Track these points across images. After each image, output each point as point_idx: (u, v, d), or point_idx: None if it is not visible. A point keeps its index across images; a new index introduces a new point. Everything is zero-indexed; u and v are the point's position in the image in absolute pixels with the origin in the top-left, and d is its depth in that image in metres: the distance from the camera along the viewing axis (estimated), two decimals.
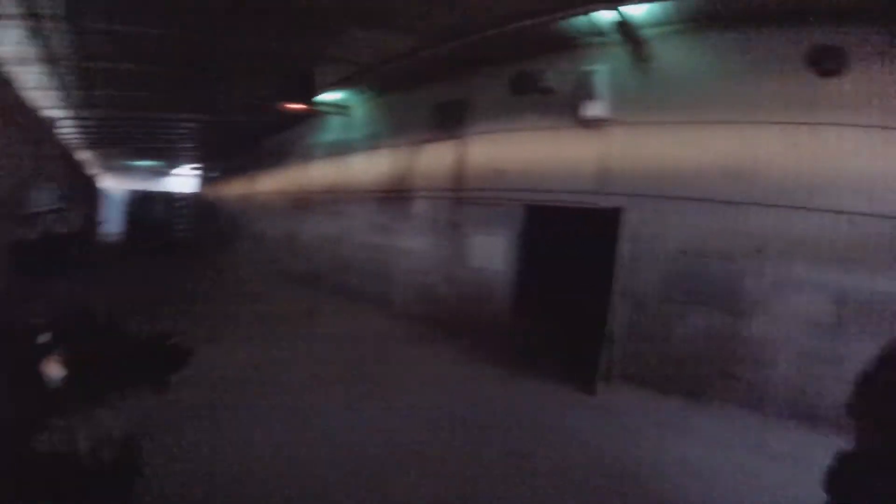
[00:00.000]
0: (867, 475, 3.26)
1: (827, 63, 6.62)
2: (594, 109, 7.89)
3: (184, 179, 34.39)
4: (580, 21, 7.66)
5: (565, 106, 8.40)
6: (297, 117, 15.01)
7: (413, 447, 5.26)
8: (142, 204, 22.74)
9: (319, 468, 4.70)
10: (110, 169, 31.01)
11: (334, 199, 14.01)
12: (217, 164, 27.41)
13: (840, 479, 3.46)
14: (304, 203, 15.78)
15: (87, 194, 21.88)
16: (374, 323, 10.56)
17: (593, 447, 5.63)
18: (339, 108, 13.36)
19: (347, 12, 8.19)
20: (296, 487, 4.34)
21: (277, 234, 17.77)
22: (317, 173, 15.21)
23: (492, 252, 9.32)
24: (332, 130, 14.42)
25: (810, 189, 6.63)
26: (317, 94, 11.99)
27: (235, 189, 23.02)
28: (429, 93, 10.86)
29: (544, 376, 7.78)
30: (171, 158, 27.21)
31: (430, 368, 7.96)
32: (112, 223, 26.08)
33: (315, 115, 13.76)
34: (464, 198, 9.93)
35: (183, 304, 10.39)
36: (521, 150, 9.06)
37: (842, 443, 3.49)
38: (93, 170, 25.66)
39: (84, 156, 22.37)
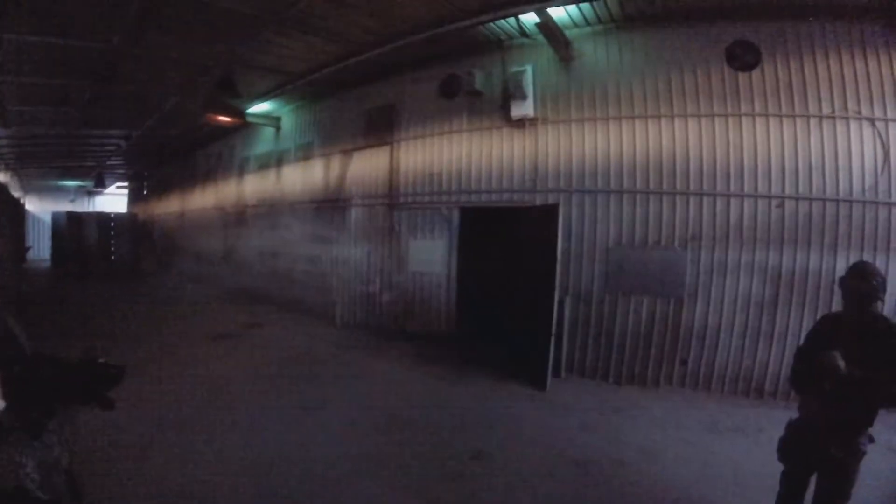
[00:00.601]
0: (811, 440, 3.56)
1: (743, 58, 7.04)
2: (523, 109, 8.02)
3: (114, 199, 33.08)
4: (506, 23, 7.79)
5: (494, 107, 8.55)
6: (227, 130, 14.57)
7: (366, 453, 5.22)
8: (71, 226, 21.64)
9: (273, 478, 4.65)
10: (35, 191, 29.58)
11: (270, 211, 13.67)
12: (148, 181, 26.47)
13: (790, 445, 3.77)
14: (239, 217, 15.34)
15: (12, 218, 20.71)
16: (318, 333, 10.36)
17: (548, 440, 5.70)
18: (268, 118, 13.09)
19: (272, 21, 7.98)
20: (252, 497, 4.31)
21: (214, 250, 17.20)
22: (250, 186, 14.82)
23: (431, 255, 9.32)
24: (263, 141, 14.09)
25: (737, 176, 7.06)
26: (245, 106, 11.72)
27: (168, 206, 22.20)
28: (358, 99, 10.75)
29: (493, 375, 7.82)
30: (100, 177, 26.10)
31: (378, 375, 7.85)
32: (40, 248, 24.98)
33: (245, 126, 13.35)
34: (399, 203, 9.88)
35: (118, 326, 10.10)
36: (453, 152, 9.09)
37: (787, 413, 3.87)
38: (15, 192, 24.42)
39: (4, 178, 21.23)
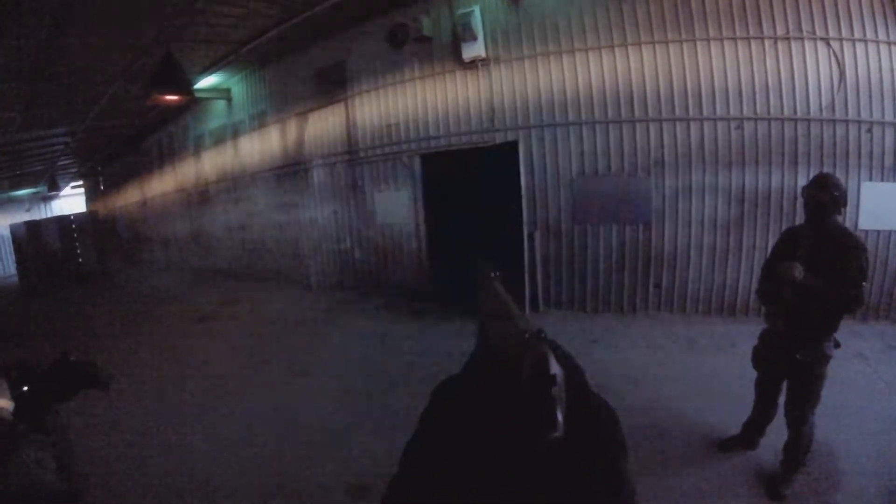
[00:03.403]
0: (780, 348, 3.72)
1: None
2: (474, 50, 7.86)
3: (71, 200, 32.15)
4: None
5: (445, 51, 8.39)
6: (177, 109, 14.01)
7: (356, 408, 5.35)
8: (31, 235, 20.88)
9: (274, 438, 4.82)
10: None
11: (232, 185, 13.40)
12: (103, 176, 25.73)
13: (761, 353, 3.97)
14: (202, 196, 14.99)
15: None
16: (295, 299, 10.33)
17: None
18: (218, 91, 12.67)
19: None
20: (252, 457, 4.51)
21: (181, 234, 16.87)
22: (209, 163, 14.42)
23: (397, 206, 9.29)
24: (216, 115, 13.65)
25: (695, 101, 7.09)
26: (192, 81, 11.33)
27: (128, 197, 21.58)
28: (308, 60, 10.46)
29: (471, 316, 7.78)
30: (52, 180, 25.28)
31: (359, 332, 7.92)
32: (5, 264, 24.42)
33: (194, 103, 12.87)
34: (360, 158, 9.76)
35: (98, 326, 9.99)
36: (407, 102, 8.96)
37: (759, 327, 4.04)
38: None
39: None
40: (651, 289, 7.54)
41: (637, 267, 7.54)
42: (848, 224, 6.47)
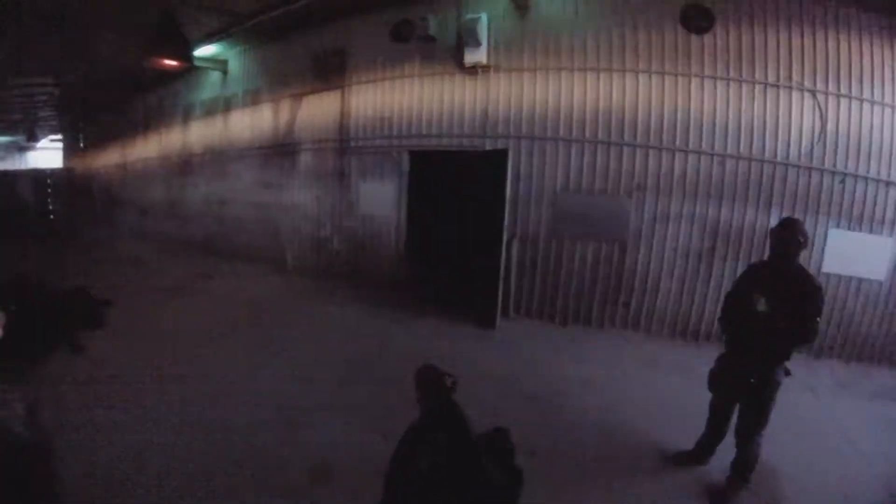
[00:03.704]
0: (735, 372, 4.01)
1: (697, 21, 7.25)
2: (476, 56, 7.99)
3: (48, 153, 31.37)
4: None
5: (447, 53, 8.49)
6: (171, 74, 13.79)
7: (324, 394, 5.39)
8: (3, 185, 20.38)
9: (238, 425, 4.73)
10: None
11: (217, 159, 13.21)
12: (84, 133, 25.18)
13: (717, 376, 4.24)
14: (185, 166, 14.74)
15: None
16: (270, 280, 10.30)
17: (498, 376, 5.98)
18: (214, 62, 12.50)
19: None
20: (221, 443, 4.43)
21: (159, 202, 16.49)
22: (196, 133, 14.20)
23: (381, 199, 9.32)
24: (209, 86, 13.45)
25: (683, 132, 7.36)
26: (190, 48, 11.23)
27: (108, 158, 21.04)
28: (308, 43, 10.42)
29: (443, 316, 8.06)
30: (31, 130, 24.69)
31: (332, 319, 7.93)
32: None
33: (189, 70, 12.76)
34: (350, 147, 9.77)
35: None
36: (404, 98, 9.02)
37: (718, 352, 4.31)
38: None
39: None
40: (620, 307, 7.74)
41: (609, 284, 7.74)
42: (812, 266, 6.93)
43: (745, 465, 4.00)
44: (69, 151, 28.10)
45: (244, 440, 4.47)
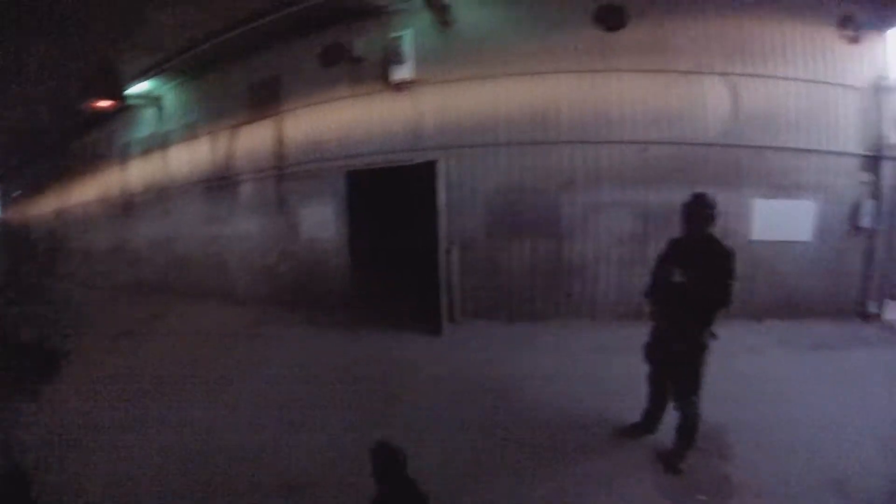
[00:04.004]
0: (664, 341, 4.31)
1: (611, 19, 7.66)
2: (402, 73, 8.22)
3: None
4: None
5: (375, 72, 8.66)
6: (106, 114, 13.50)
7: (287, 415, 5.50)
8: None
9: (207, 457, 4.78)
10: None
11: (159, 196, 12.99)
12: (17, 182, 24.38)
13: (650, 348, 4.52)
14: (127, 207, 14.43)
15: None
16: (222, 313, 10.20)
17: (451, 377, 6.20)
18: (148, 98, 12.36)
19: None
20: (196, 471, 4.51)
21: (105, 245, 16.05)
22: (136, 172, 13.93)
23: (322, 222, 9.41)
24: (145, 123, 13.26)
25: (607, 125, 7.73)
26: (123, 87, 11.12)
27: (46, 205, 20.49)
28: (242, 73, 10.45)
29: (394, 328, 8.19)
30: None
31: (286, 344, 8.00)
32: None
33: (125, 109, 12.62)
34: (288, 173, 9.83)
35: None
36: (337, 120, 9.14)
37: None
38: None
39: None
40: (563, 298, 8.03)
41: (550, 278, 8.02)
42: (741, 235, 7.47)
43: (688, 427, 4.25)
44: (3, 200, 27.19)
45: (215, 467, 4.57)
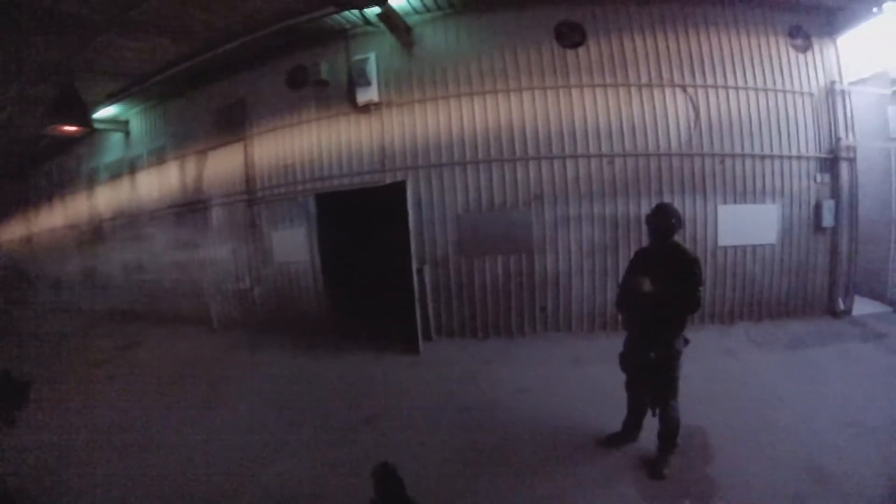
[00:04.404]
0: (638, 349, 4.38)
1: (570, 37, 7.88)
2: (367, 95, 8.27)
3: None
4: (350, 14, 7.93)
5: (341, 94, 8.72)
6: (71, 140, 13.28)
7: (266, 438, 5.45)
8: None
9: (187, 483, 4.73)
10: None
11: (129, 222, 12.74)
12: None
13: (625, 357, 4.60)
14: (96, 233, 14.11)
15: None
16: (196, 340, 10.04)
17: (429, 396, 6.24)
18: (116, 123, 12.20)
19: (110, 22, 7.58)
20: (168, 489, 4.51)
21: (72, 274, 15.70)
22: (104, 198, 13.61)
23: (294, 245, 9.38)
24: (112, 148, 13.05)
25: (570, 140, 7.89)
26: (89, 112, 10.94)
27: (10, 233, 20.01)
28: (209, 97, 10.39)
29: (369, 349, 8.17)
30: None
31: (262, 368, 7.93)
32: None
33: (91, 134, 12.34)
34: (258, 197, 9.78)
35: None
36: (304, 142, 9.13)
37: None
38: None
39: None
40: (538, 312, 8.13)
41: (523, 293, 8.11)
42: (709, 242, 7.77)
43: (668, 432, 4.34)
44: None
45: (199, 491, 4.55)
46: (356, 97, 8.37)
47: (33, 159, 16.01)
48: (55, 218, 16.29)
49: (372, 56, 8.26)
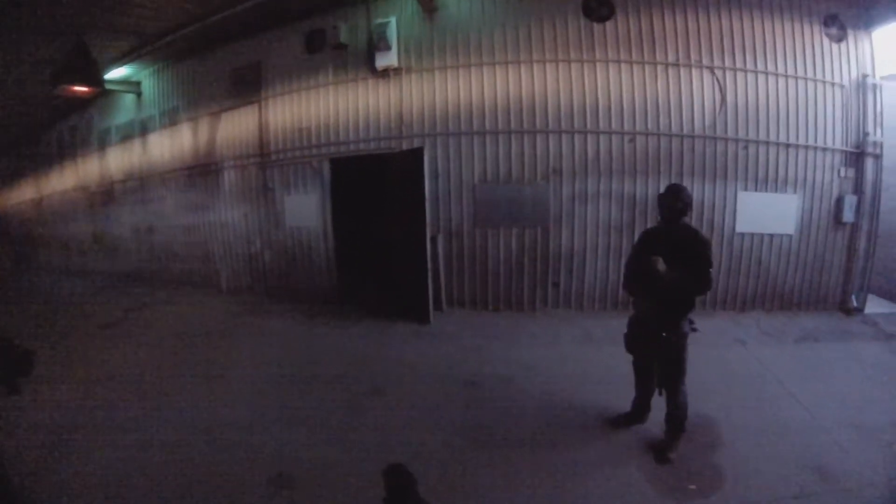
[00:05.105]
0: (645, 330, 4.27)
1: (598, 11, 7.67)
2: (387, 60, 8.12)
3: None
4: None
5: (359, 59, 8.57)
6: (83, 101, 13.12)
7: (274, 406, 5.40)
8: None
9: (190, 437, 4.78)
10: None
11: (139, 184, 12.72)
12: None
13: (631, 338, 4.48)
14: (106, 195, 14.10)
15: None
16: (206, 304, 10.01)
17: (437, 368, 6.17)
18: (127, 84, 12.09)
19: None
20: (171, 457, 4.46)
21: (82, 235, 15.75)
22: (115, 160, 13.57)
23: (306, 209, 9.31)
24: (124, 110, 12.96)
25: (593, 115, 7.72)
26: (101, 72, 10.84)
27: (22, 194, 19.99)
28: (223, 58, 10.25)
29: (379, 317, 8.14)
30: None
31: (271, 334, 7.89)
32: None
33: (102, 95, 12.22)
34: (271, 161, 9.67)
35: None
36: (320, 107, 9.02)
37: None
38: None
39: None
40: (550, 287, 8.04)
41: (536, 267, 8.02)
42: (726, 227, 7.62)
43: (676, 415, 4.27)
44: None
45: (201, 458, 4.48)
46: (375, 62, 8.22)
47: (47, 120, 15.92)
48: (67, 180, 16.26)
49: (393, 20, 8.10)
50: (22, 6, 7.87)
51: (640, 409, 4.73)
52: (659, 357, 4.28)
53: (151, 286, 12.05)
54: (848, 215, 7.90)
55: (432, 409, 5.11)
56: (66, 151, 16.03)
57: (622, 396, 4.85)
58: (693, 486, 3.90)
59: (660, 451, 4.29)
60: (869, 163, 7.91)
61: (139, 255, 13.26)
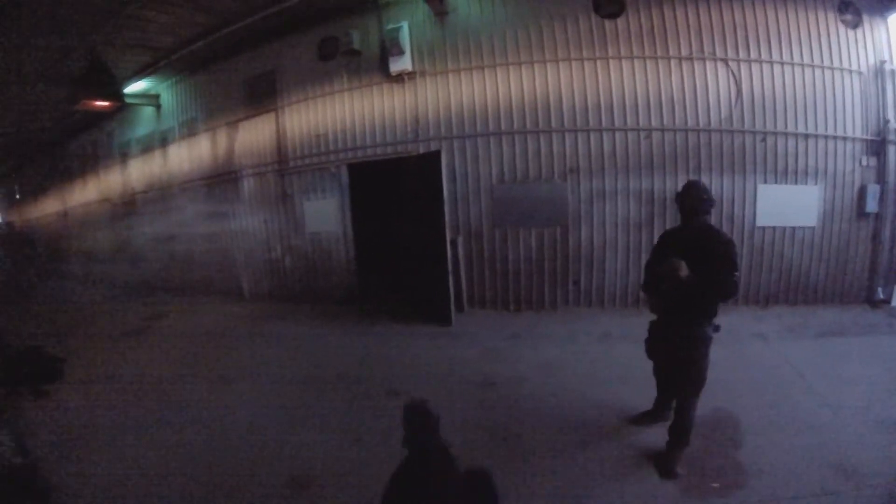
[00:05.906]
0: (666, 334, 4.12)
1: (608, 7, 7.63)
2: (400, 64, 8.17)
3: None
4: None
5: (373, 64, 8.64)
6: (104, 115, 13.37)
7: (294, 407, 5.47)
8: None
9: (209, 441, 4.83)
10: None
11: (160, 195, 12.91)
12: (19, 184, 24.26)
13: (652, 342, 4.35)
14: (128, 206, 14.30)
15: None
16: (227, 310, 10.11)
17: (456, 369, 6.16)
18: (146, 97, 12.30)
19: None
20: (190, 460, 4.52)
21: (105, 246, 16.00)
22: (136, 171, 13.81)
23: (325, 215, 9.39)
24: (144, 122, 13.18)
25: (608, 112, 7.69)
26: (120, 86, 11.03)
27: (47, 207, 20.39)
28: (239, 68, 10.38)
29: (400, 320, 8.19)
30: None
31: (292, 339, 7.91)
32: None
33: (121, 108, 12.41)
34: (289, 167, 9.77)
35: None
36: (336, 113, 9.09)
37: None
38: None
39: None
40: (570, 286, 8.03)
41: (556, 266, 8.02)
42: (746, 222, 7.52)
43: (681, 429, 4.06)
44: (6, 204, 27.12)
45: (224, 460, 4.54)
46: (389, 67, 8.28)
47: (69, 134, 16.24)
48: (89, 191, 16.55)
49: (405, 25, 8.15)
50: (37, 24, 8.03)
51: (662, 408, 4.63)
52: (677, 364, 4.06)
53: (174, 294, 12.25)
54: (871, 205, 7.74)
55: (452, 410, 5.08)
56: (88, 164, 16.34)
57: (644, 394, 4.80)
58: (716, 485, 3.84)
59: (664, 465, 4.05)
60: (891, 151, 7.75)
61: (161, 264, 13.43)
